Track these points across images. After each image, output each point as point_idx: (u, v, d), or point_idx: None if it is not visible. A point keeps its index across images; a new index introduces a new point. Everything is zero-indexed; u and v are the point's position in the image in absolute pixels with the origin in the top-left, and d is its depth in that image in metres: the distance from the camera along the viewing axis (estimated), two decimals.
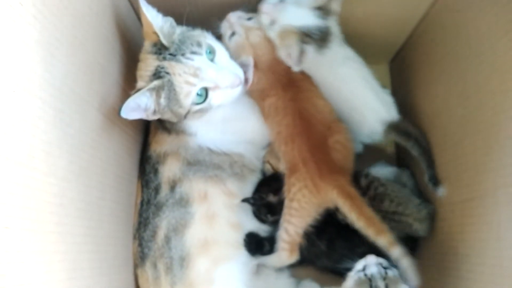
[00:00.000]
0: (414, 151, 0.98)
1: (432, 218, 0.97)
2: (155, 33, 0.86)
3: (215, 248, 0.95)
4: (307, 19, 0.93)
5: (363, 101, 0.99)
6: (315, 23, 0.93)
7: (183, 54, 0.86)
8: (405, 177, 1.06)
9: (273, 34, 0.96)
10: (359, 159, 1.05)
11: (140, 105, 0.86)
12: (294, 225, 0.95)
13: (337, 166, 0.95)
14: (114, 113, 0.89)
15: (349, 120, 1.01)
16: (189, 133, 1.01)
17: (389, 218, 0.94)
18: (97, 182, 0.82)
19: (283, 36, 0.94)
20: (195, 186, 0.98)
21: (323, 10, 0.95)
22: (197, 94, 0.88)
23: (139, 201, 1.02)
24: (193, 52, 0.87)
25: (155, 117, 0.91)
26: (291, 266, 1.05)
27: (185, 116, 0.91)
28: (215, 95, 0.90)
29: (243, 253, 0.99)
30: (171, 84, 0.86)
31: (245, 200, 1.02)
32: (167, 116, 0.91)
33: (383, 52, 1.25)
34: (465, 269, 0.82)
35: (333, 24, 0.97)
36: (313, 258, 1.02)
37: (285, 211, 0.96)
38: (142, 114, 0.88)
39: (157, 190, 0.99)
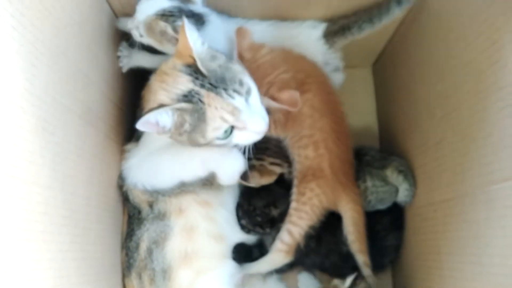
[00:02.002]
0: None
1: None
2: (191, 57, 0.82)
3: (196, 260, 0.94)
4: (159, 4, 0.93)
5: None
6: (169, 4, 0.93)
7: (225, 89, 0.82)
8: None
9: (144, 33, 0.94)
10: None
11: (159, 122, 0.83)
12: (300, 227, 0.96)
13: (353, 178, 0.99)
14: (98, 121, 0.90)
15: None
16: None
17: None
18: (82, 190, 0.82)
19: (149, 27, 0.92)
20: (168, 202, 0.97)
21: None
22: (224, 131, 0.85)
23: (126, 211, 1.02)
24: (235, 91, 0.83)
25: (165, 135, 0.87)
26: (280, 271, 1.06)
27: (199, 145, 0.88)
28: (239, 134, 0.86)
29: (227, 264, 0.99)
30: (202, 114, 0.82)
31: (242, 217, 1.03)
32: (179, 138, 0.87)
33: (366, 55, 1.27)
34: (448, 267, 0.84)
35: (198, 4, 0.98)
36: (302, 257, 1.03)
37: (293, 213, 0.97)
38: (155, 129, 0.84)
39: (138, 209, 0.99)
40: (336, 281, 1.02)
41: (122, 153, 1.02)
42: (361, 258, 0.96)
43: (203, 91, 0.82)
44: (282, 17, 1.06)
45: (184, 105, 0.82)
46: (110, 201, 0.97)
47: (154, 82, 0.88)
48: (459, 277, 0.80)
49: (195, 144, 0.87)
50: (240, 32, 0.97)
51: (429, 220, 0.92)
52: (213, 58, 0.85)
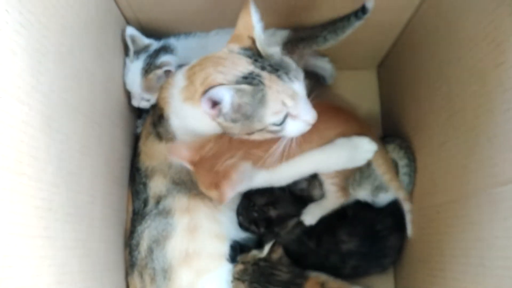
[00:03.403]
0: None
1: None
2: (251, 38, 0.81)
3: (197, 260, 0.95)
4: (136, 67, 1.04)
5: None
6: (142, 61, 1.04)
7: (286, 73, 0.80)
8: None
9: (149, 95, 1.04)
10: None
11: (220, 99, 0.78)
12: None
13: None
14: (103, 119, 0.90)
15: None
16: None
17: None
18: (87, 187, 0.82)
19: (148, 86, 1.03)
20: (177, 201, 0.98)
21: None
22: (282, 117, 0.82)
23: (131, 209, 1.03)
24: (295, 76, 0.81)
25: (218, 120, 0.83)
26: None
27: (251, 132, 0.84)
28: (291, 123, 0.83)
29: (228, 265, 0.99)
30: (262, 96, 0.79)
31: (240, 212, 1.04)
32: (230, 124, 0.83)
33: (371, 57, 1.27)
34: (451, 269, 0.83)
35: None
36: (302, 258, 1.04)
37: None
38: (212, 110, 0.80)
39: (145, 202, 1.00)
40: (254, 251, 1.02)
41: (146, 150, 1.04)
42: (395, 184, 1.00)
43: (264, 73, 0.79)
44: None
45: (246, 86, 0.78)
46: (115, 198, 0.97)
47: (205, 69, 0.84)
48: (462, 279, 0.79)
49: (247, 131, 0.84)
50: (172, 152, 0.95)
51: (432, 222, 0.92)
52: (271, 47, 0.84)
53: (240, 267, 0.98)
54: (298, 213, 1.04)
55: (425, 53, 0.98)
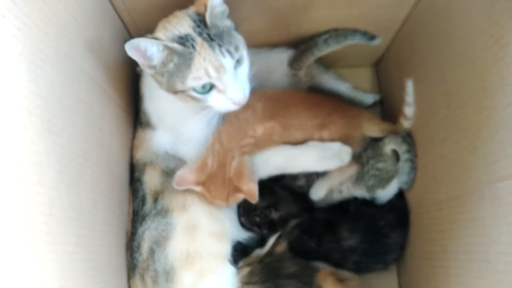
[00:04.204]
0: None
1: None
2: (205, 6, 0.84)
3: (199, 261, 0.94)
4: None
5: None
6: None
7: (219, 45, 0.84)
8: None
9: None
10: None
11: (147, 51, 0.84)
12: None
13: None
14: (102, 122, 0.90)
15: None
16: (152, 126, 1.02)
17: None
18: (88, 191, 0.82)
19: None
20: (174, 197, 0.98)
21: None
22: (203, 85, 0.86)
23: (131, 210, 1.02)
24: (228, 51, 0.85)
25: (149, 71, 0.88)
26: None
27: (175, 92, 0.89)
28: (215, 96, 0.88)
29: (230, 266, 0.99)
30: (190, 59, 0.84)
31: (242, 214, 1.04)
32: (160, 79, 0.88)
33: (369, 54, 1.27)
34: (454, 266, 0.83)
35: None
36: (303, 257, 1.04)
37: None
38: (141, 60, 0.85)
39: (143, 200, 1.00)
40: (257, 251, 1.02)
41: (137, 143, 1.06)
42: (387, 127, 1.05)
43: (198, 39, 0.84)
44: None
45: (175, 45, 0.83)
46: (116, 202, 0.96)
47: (159, 23, 0.90)
48: (466, 275, 0.79)
49: (171, 89, 0.88)
50: (178, 183, 0.96)
51: (435, 219, 0.92)
52: (222, 20, 0.88)
53: (246, 270, 0.97)
54: (300, 212, 1.04)
55: (423, 50, 0.98)
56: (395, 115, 1.06)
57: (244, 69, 0.90)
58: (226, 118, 1.00)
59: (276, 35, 1.12)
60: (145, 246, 0.96)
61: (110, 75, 0.96)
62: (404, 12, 1.03)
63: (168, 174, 0.99)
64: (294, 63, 1.11)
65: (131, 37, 1.08)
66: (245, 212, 1.04)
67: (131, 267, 0.98)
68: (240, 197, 0.97)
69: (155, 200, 0.98)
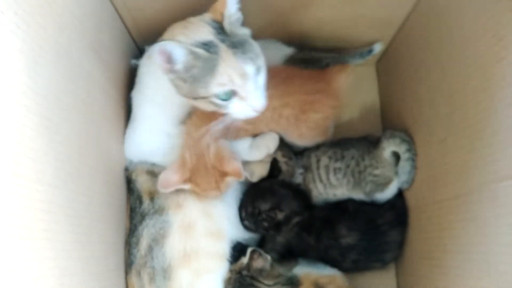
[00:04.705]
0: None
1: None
2: (222, 14, 0.84)
3: (196, 259, 0.94)
4: None
5: None
6: None
7: (242, 53, 0.84)
8: None
9: None
10: None
11: (173, 55, 0.82)
12: None
13: None
14: (100, 119, 0.90)
15: None
16: None
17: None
18: (85, 188, 0.82)
19: None
20: (168, 196, 0.98)
21: None
22: (225, 92, 0.85)
23: (128, 206, 1.02)
24: (251, 58, 0.84)
25: (170, 76, 0.86)
26: None
27: (196, 98, 0.88)
28: (237, 104, 0.87)
29: (227, 264, 0.99)
30: (214, 65, 0.83)
31: (245, 218, 1.03)
32: (181, 84, 0.87)
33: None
34: (453, 266, 0.83)
35: None
36: (302, 254, 1.04)
37: None
38: (164, 63, 0.83)
39: (140, 199, 1.00)
40: (243, 258, 0.99)
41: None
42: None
43: (222, 46, 0.83)
44: None
45: (201, 51, 0.82)
46: (113, 200, 0.96)
47: (174, 29, 0.89)
48: (465, 275, 0.79)
49: (193, 95, 0.87)
50: (163, 185, 0.97)
51: (434, 218, 0.92)
52: (240, 28, 0.88)
53: (228, 275, 0.97)
54: (301, 209, 1.04)
55: (424, 49, 0.98)
56: (395, 114, 1.05)
57: (263, 76, 0.89)
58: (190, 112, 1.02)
59: (277, 33, 1.12)
60: (143, 242, 0.96)
61: (109, 72, 0.96)
62: (405, 10, 1.03)
63: (155, 174, 1.00)
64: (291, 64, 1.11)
65: (130, 35, 1.09)
66: (249, 216, 1.03)
67: (128, 263, 0.98)
68: (229, 180, 0.97)
69: (151, 199, 0.99)
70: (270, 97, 0.91)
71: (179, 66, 0.83)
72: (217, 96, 0.85)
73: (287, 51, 1.11)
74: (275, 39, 1.13)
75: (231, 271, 0.97)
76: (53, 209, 0.68)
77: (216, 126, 0.92)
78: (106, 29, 0.96)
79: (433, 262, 0.92)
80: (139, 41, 1.12)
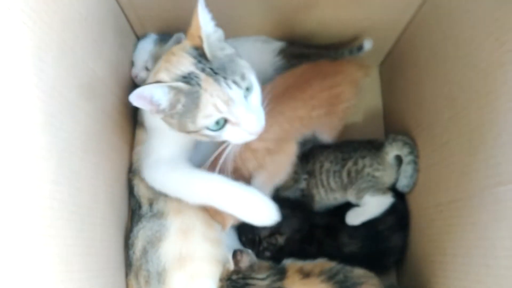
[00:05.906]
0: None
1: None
2: (200, 37, 0.81)
3: (191, 263, 0.93)
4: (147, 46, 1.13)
5: None
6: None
7: (224, 78, 0.80)
8: None
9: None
10: None
11: (153, 97, 0.80)
12: None
13: None
14: (104, 117, 0.90)
15: None
16: (145, 128, 1.02)
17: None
18: (88, 185, 0.82)
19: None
20: (169, 202, 0.97)
21: None
22: (215, 122, 0.82)
23: (129, 206, 1.03)
24: (234, 82, 0.80)
25: (158, 116, 0.84)
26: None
27: (189, 132, 0.85)
28: (231, 130, 0.84)
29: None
30: (197, 97, 0.80)
31: (248, 247, 1.01)
32: (170, 121, 0.85)
33: (373, 55, 1.26)
34: (454, 269, 0.83)
35: None
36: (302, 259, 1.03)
37: None
38: (148, 106, 0.81)
39: (139, 203, 0.99)
40: (226, 265, 0.96)
41: (135, 143, 1.05)
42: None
43: (202, 75, 0.80)
44: None
45: (180, 84, 0.79)
46: (116, 197, 0.97)
47: (161, 62, 0.87)
48: (465, 279, 0.79)
49: (184, 130, 0.85)
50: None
51: (435, 221, 0.92)
52: (222, 48, 0.84)
53: (219, 285, 0.94)
54: (302, 224, 1.03)
55: (427, 52, 0.98)
56: (397, 116, 1.05)
57: (256, 95, 0.85)
58: None
59: (280, 33, 1.12)
60: (138, 245, 0.95)
61: (113, 70, 0.96)
62: (409, 13, 1.03)
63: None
64: (286, 57, 1.12)
65: (134, 32, 1.09)
66: (250, 243, 1.02)
67: (128, 264, 0.98)
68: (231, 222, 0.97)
69: (151, 205, 0.98)
70: (293, 109, 0.91)
71: (164, 105, 0.82)
72: (207, 127, 0.83)
73: (278, 45, 1.11)
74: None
75: (220, 280, 0.94)
76: (56, 205, 0.69)
77: (222, 159, 0.90)
78: (110, 27, 0.96)
79: (434, 265, 0.92)
80: None
